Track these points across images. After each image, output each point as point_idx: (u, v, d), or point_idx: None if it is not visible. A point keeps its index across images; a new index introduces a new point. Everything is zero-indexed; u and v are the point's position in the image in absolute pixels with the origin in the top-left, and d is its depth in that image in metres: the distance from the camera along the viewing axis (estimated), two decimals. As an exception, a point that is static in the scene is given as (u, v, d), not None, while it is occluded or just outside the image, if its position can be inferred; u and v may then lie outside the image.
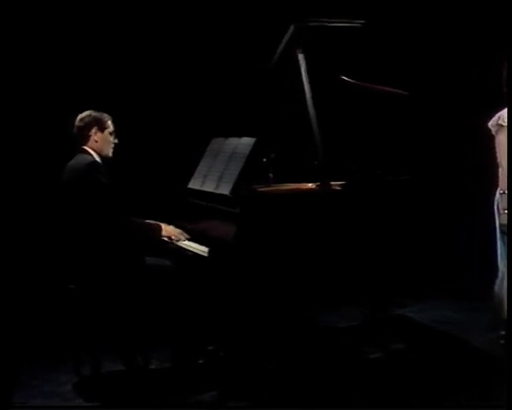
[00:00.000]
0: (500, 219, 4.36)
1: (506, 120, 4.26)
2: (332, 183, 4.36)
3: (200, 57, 5.94)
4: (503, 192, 4.28)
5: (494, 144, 4.40)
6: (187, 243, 4.32)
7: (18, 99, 5.60)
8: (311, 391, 4.05)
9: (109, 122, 4.32)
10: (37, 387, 4.35)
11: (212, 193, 4.37)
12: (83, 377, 4.34)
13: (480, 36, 5.98)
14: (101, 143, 4.29)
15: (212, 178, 4.45)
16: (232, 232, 4.03)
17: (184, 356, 4.36)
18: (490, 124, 4.42)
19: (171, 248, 4.35)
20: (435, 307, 5.59)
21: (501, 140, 4.30)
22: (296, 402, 3.96)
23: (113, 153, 4.36)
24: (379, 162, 4.63)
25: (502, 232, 4.37)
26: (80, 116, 4.31)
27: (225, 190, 4.25)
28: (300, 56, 4.30)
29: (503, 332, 4.33)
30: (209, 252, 4.07)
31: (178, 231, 4.35)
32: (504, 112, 4.31)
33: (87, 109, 4.31)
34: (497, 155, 4.36)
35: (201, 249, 4.16)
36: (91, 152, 4.27)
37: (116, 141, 4.35)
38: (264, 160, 4.57)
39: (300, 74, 4.29)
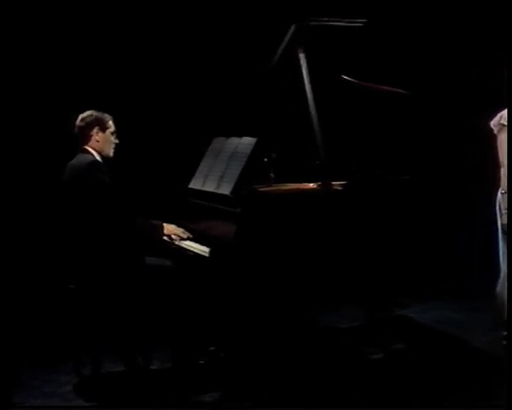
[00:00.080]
0: (502, 219, 4.36)
1: (508, 120, 4.27)
2: (333, 183, 4.36)
3: (201, 57, 5.94)
4: (505, 192, 4.29)
5: (496, 144, 4.40)
6: (188, 243, 4.31)
7: (19, 99, 5.59)
8: (311, 391, 4.05)
9: (110, 122, 4.32)
10: (37, 387, 4.35)
11: (213, 193, 4.36)
12: (83, 377, 4.33)
13: (480, 36, 5.98)
14: (102, 143, 4.28)
15: (213, 178, 4.44)
16: (233, 232, 4.02)
17: (185, 356, 4.35)
18: (492, 123, 4.42)
19: (172, 248, 4.35)
20: (435, 307, 5.59)
21: (503, 139, 4.30)
22: (296, 402, 3.95)
23: (114, 153, 4.35)
24: (379, 162, 4.63)
25: (503, 232, 4.37)
26: (81, 116, 4.30)
27: (226, 189, 4.24)
28: (301, 56, 4.29)
29: (505, 333, 4.33)
30: (210, 252, 4.06)
31: (180, 230, 4.35)
32: (506, 111, 4.31)
33: (88, 109, 4.31)
34: (499, 154, 4.36)
35: (202, 249, 4.16)
36: (92, 152, 4.27)
37: (117, 141, 4.35)
38: (266, 159, 4.57)
39: (301, 74, 4.28)
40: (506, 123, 4.28)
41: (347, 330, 5.04)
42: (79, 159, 4.24)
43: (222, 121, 5.16)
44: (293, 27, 4.32)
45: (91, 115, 4.29)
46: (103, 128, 4.28)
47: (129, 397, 4.15)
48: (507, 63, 4.28)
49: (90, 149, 4.27)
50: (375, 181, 4.53)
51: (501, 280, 4.45)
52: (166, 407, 4.03)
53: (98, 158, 4.26)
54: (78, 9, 5.67)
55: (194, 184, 4.63)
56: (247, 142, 4.35)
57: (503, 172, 4.33)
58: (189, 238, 4.34)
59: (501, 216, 4.37)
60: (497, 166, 4.40)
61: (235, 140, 4.47)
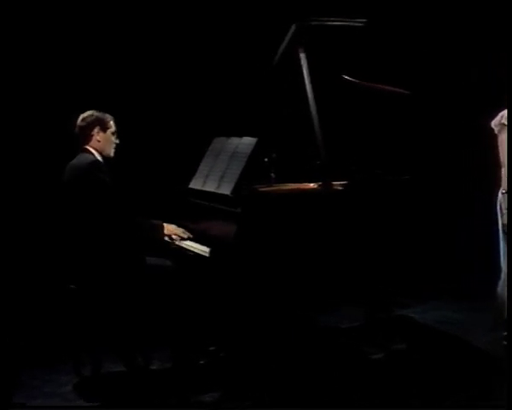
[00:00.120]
0: (503, 219, 4.36)
1: (509, 120, 4.27)
2: (333, 183, 4.36)
3: (202, 57, 5.93)
4: (506, 192, 4.28)
5: (497, 144, 4.40)
6: (188, 243, 4.31)
7: (20, 99, 5.58)
8: (311, 391, 4.05)
9: (111, 122, 4.32)
10: (37, 387, 4.34)
11: (213, 193, 4.36)
12: (83, 377, 4.32)
13: (480, 36, 5.98)
14: (103, 143, 4.29)
15: (213, 178, 4.44)
16: (233, 232, 4.02)
17: (185, 356, 4.35)
18: (493, 123, 4.42)
19: (172, 248, 4.35)
20: (435, 307, 5.59)
21: (504, 139, 4.29)
22: (296, 402, 3.95)
23: (115, 153, 4.35)
24: (379, 162, 4.63)
25: (504, 232, 4.37)
26: (82, 116, 4.30)
27: (227, 189, 4.24)
28: (302, 56, 4.29)
29: (505, 333, 4.33)
30: (210, 252, 4.06)
31: (181, 230, 4.34)
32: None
33: (88, 110, 4.31)
34: (500, 154, 4.36)
35: (202, 249, 4.16)
36: (93, 151, 4.27)
37: (118, 141, 4.35)
38: (266, 159, 4.57)
39: (302, 74, 4.28)
40: (507, 123, 4.28)
41: (347, 330, 5.03)
42: (80, 159, 4.24)
43: (222, 121, 5.16)
44: (293, 27, 4.31)
45: (92, 115, 4.29)
46: (104, 128, 4.28)
47: (129, 397, 4.15)
48: (507, 63, 4.28)
49: (90, 149, 4.27)
50: (376, 181, 4.52)
51: (502, 280, 4.45)
52: (166, 407, 4.03)
53: (99, 158, 4.26)
54: (80, 9, 5.66)
55: (195, 184, 4.63)
56: (248, 142, 4.35)
57: (504, 171, 4.33)
58: (189, 238, 4.34)
59: (502, 216, 4.37)
60: (498, 165, 4.40)
61: (235, 140, 4.47)
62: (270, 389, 4.08)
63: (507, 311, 4.18)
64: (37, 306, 5.27)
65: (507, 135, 4.23)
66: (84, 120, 4.29)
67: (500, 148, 4.37)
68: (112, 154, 4.34)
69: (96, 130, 4.27)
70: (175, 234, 4.33)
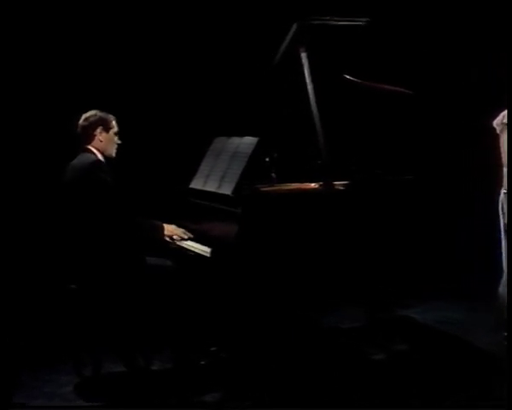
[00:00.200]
0: (504, 218, 4.36)
1: (510, 120, 4.27)
2: (335, 183, 4.36)
3: (203, 57, 5.93)
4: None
5: (498, 143, 4.40)
6: (189, 243, 4.30)
7: (21, 99, 5.58)
8: (311, 391, 4.04)
9: (114, 122, 4.32)
10: (37, 388, 4.33)
11: (214, 193, 4.35)
12: (84, 377, 4.32)
13: (480, 36, 5.98)
14: (105, 143, 4.28)
15: (214, 178, 4.43)
16: (234, 232, 4.01)
17: (186, 357, 4.35)
18: (494, 123, 4.41)
19: (173, 249, 4.34)
20: (436, 307, 5.59)
21: (505, 139, 4.29)
22: (296, 402, 3.95)
23: (116, 153, 4.35)
24: (380, 162, 4.63)
25: (506, 232, 4.36)
26: (85, 116, 4.30)
27: (227, 189, 4.23)
28: (303, 55, 4.29)
29: (505, 333, 4.32)
30: (211, 252, 4.05)
31: (181, 230, 4.34)
32: (509, 111, 4.32)
33: (89, 110, 4.30)
34: (502, 153, 4.36)
35: (203, 250, 4.15)
36: (95, 151, 4.26)
37: (120, 141, 4.35)
38: (267, 159, 4.56)
39: (303, 73, 4.28)
40: (507, 123, 4.28)
41: (348, 331, 5.03)
42: (81, 159, 4.23)
43: (223, 121, 5.15)
44: (294, 26, 4.31)
45: (95, 115, 4.29)
46: (107, 128, 4.28)
47: (130, 398, 4.14)
48: (507, 63, 4.28)
49: (92, 149, 4.26)
50: (377, 181, 4.52)
51: (503, 280, 4.44)
52: (167, 408, 4.03)
53: (101, 158, 4.25)
54: (81, 9, 5.66)
55: (196, 184, 4.62)
56: (249, 141, 4.34)
57: (506, 171, 4.33)
58: (189, 238, 4.33)
59: (503, 216, 4.37)
60: (500, 165, 4.40)
61: (236, 140, 4.46)
62: (270, 389, 4.07)
63: (507, 311, 4.17)
64: (37, 306, 5.27)
65: (507, 135, 4.23)
66: (86, 119, 4.28)
67: (502, 147, 4.36)
68: (114, 154, 4.34)
69: (98, 130, 4.27)
70: (175, 234, 4.32)
